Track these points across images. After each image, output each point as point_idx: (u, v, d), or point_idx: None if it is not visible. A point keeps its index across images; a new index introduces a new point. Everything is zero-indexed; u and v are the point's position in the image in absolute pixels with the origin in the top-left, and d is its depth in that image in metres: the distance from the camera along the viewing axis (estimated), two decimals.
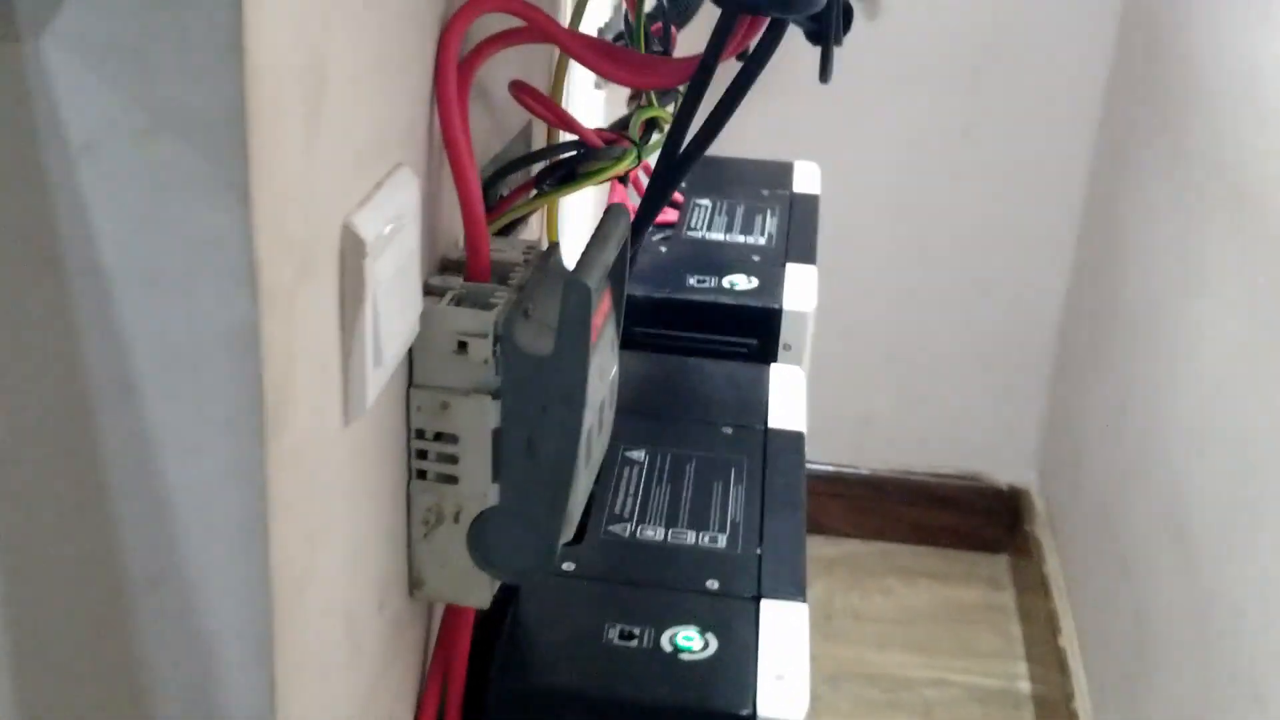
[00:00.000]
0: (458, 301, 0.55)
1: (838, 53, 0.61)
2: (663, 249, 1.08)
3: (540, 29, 0.56)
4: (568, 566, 0.69)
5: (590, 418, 0.56)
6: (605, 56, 0.58)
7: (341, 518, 0.48)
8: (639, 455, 0.80)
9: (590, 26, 0.87)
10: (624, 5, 0.82)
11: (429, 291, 0.55)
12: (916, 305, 1.89)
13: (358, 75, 0.44)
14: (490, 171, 0.64)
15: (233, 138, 0.36)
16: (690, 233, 1.12)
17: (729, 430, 0.83)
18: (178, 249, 0.38)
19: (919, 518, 2.03)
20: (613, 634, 0.64)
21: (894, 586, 1.94)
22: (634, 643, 0.64)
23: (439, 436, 0.55)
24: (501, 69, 0.63)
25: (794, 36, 0.62)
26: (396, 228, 0.48)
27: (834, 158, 1.47)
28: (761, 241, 1.10)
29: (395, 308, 0.48)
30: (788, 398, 0.88)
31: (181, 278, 0.38)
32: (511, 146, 0.70)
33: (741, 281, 1.02)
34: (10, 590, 0.42)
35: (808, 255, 1.07)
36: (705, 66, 0.58)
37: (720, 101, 0.58)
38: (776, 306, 0.98)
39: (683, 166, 0.60)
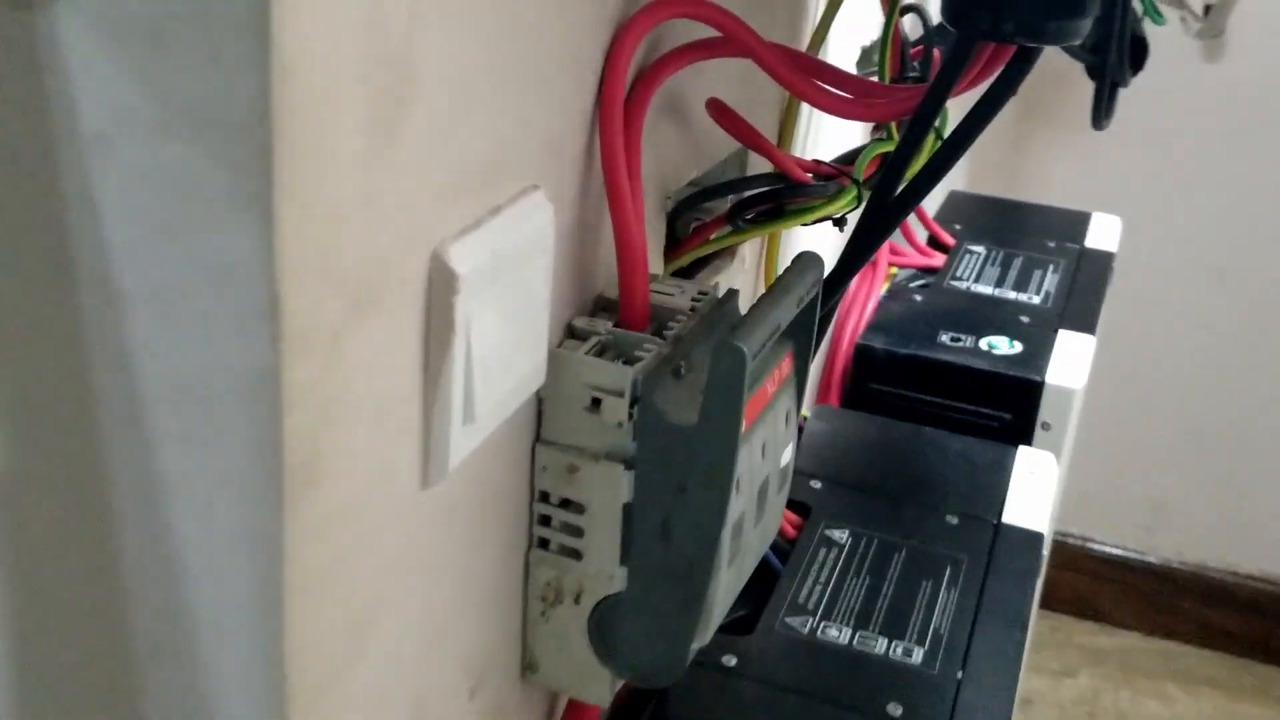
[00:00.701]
0: (600, 350, 0.47)
1: (1149, 95, 0.50)
2: (917, 297, 0.98)
3: (737, 41, 0.48)
4: (728, 661, 0.60)
5: (741, 505, 0.47)
6: (809, 78, 0.49)
7: (416, 592, 0.41)
8: (841, 536, 0.70)
9: (847, 41, 0.78)
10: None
11: (572, 334, 0.48)
12: (1224, 380, 1.69)
13: (470, 80, 0.37)
14: (678, 200, 0.56)
15: (255, 142, 0.30)
16: (954, 282, 1.01)
17: (954, 519, 0.72)
18: (195, 269, 0.31)
19: (1210, 619, 1.82)
20: None
21: (1172, 692, 1.74)
22: None
23: (565, 504, 0.48)
24: (718, 82, 0.55)
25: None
26: (515, 260, 0.40)
27: (1140, 211, 1.33)
28: (1035, 300, 0.98)
29: (505, 354, 0.41)
30: (1033, 489, 0.76)
31: (198, 303, 0.32)
32: (723, 172, 0.62)
33: (1002, 345, 0.90)
34: (9, 641, 0.37)
35: (1086, 322, 0.94)
36: (932, 100, 0.48)
37: (945, 142, 0.48)
38: (1039, 379, 0.86)
39: (893, 215, 0.50)
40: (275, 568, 0.33)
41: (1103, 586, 1.86)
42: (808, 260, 0.49)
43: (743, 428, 0.45)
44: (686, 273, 0.61)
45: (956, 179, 1.34)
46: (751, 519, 0.49)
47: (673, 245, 0.58)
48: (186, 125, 0.30)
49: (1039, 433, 0.86)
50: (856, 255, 0.52)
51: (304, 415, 0.33)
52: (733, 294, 0.51)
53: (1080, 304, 0.98)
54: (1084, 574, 1.86)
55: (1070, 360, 0.89)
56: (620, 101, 0.45)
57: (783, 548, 0.71)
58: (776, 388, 0.50)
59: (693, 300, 0.50)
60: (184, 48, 0.29)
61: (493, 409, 0.41)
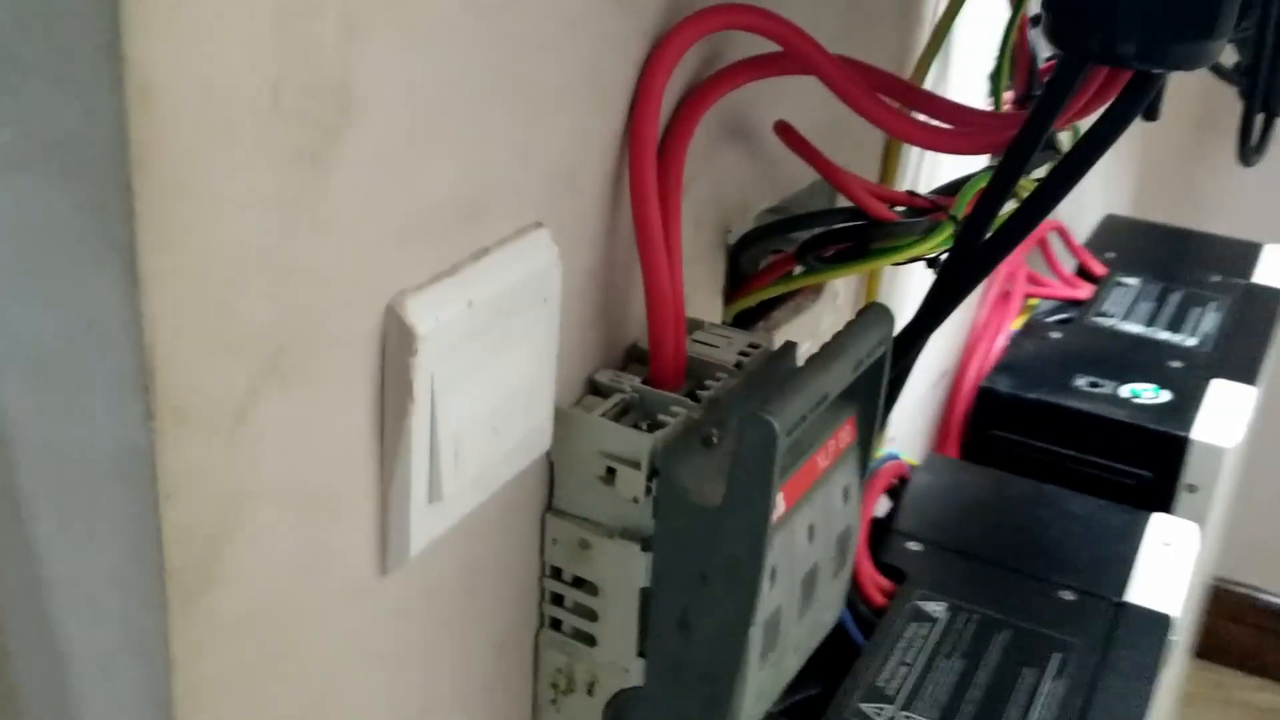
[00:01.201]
0: (622, 411, 0.41)
1: None
2: (1055, 335, 0.89)
3: (799, 56, 0.41)
4: None
5: (778, 599, 0.40)
6: (884, 100, 0.42)
7: (381, 687, 0.36)
8: (937, 610, 0.62)
9: (967, 59, 0.70)
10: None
11: (595, 390, 0.42)
12: None
13: (438, 102, 0.31)
14: (742, 234, 0.49)
15: (113, 180, 0.24)
16: (1098, 318, 0.91)
17: (1069, 596, 0.64)
18: (61, 329, 0.26)
19: None
20: None
21: None
22: None
23: (579, 583, 0.42)
24: (803, 101, 0.48)
25: None
26: (506, 310, 0.35)
27: None
28: (1191, 343, 0.88)
29: (491, 420, 0.35)
30: (1165, 564, 0.67)
31: (67, 369, 0.27)
32: (810, 201, 0.55)
33: (1147, 393, 0.81)
34: None
35: (1247, 371, 0.84)
36: (1031, 131, 0.41)
37: (1041, 183, 0.41)
38: (1183, 434, 0.76)
39: (983, 262, 0.43)
40: (162, 680, 0.28)
41: (1269, 640, 1.72)
42: (873, 315, 0.42)
43: (776, 512, 0.39)
44: (761, 311, 0.54)
45: (1116, 200, 1.24)
46: (794, 612, 0.42)
47: (739, 284, 0.51)
48: (43, 158, 0.25)
49: (1183, 495, 0.76)
50: (938, 307, 0.44)
51: (192, 507, 0.27)
52: (790, 347, 0.45)
53: (1241, 349, 0.88)
54: (1250, 626, 1.72)
55: (1224, 414, 0.79)
56: (654, 126, 0.39)
57: (868, 618, 0.63)
58: (831, 461, 0.43)
59: (740, 353, 0.44)
60: (32, 64, 0.24)
61: (471, 484, 0.35)
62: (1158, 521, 0.70)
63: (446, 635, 0.38)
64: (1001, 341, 0.88)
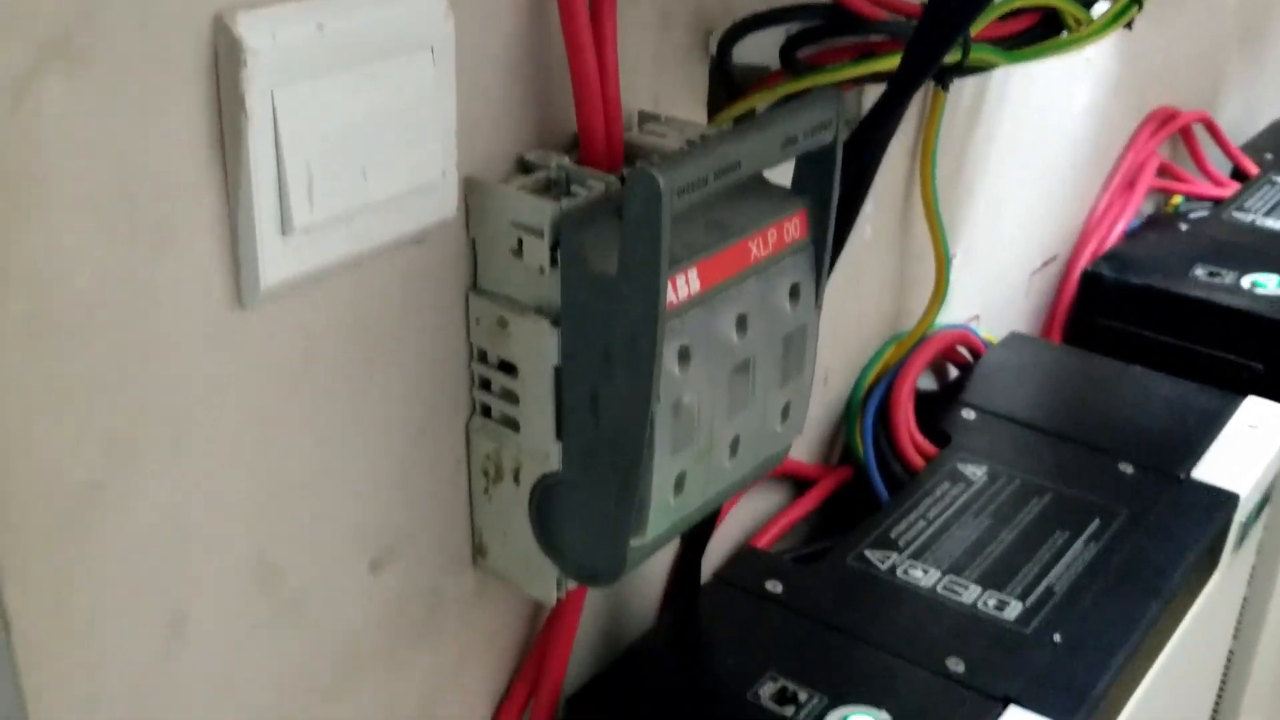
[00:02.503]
0: (545, 189, 0.40)
1: None
2: (1182, 227, 0.83)
3: None
4: (772, 587, 0.52)
5: (694, 385, 0.39)
6: None
7: (245, 423, 0.36)
8: (976, 473, 0.59)
9: None
10: None
11: (525, 168, 0.41)
12: None
13: None
14: (722, 34, 0.47)
15: None
16: (1238, 213, 0.85)
17: (1128, 469, 0.60)
18: None
19: None
20: (767, 689, 0.46)
21: None
22: (788, 709, 0.46)
23: (506, 368, 0.41)
24: None
25: None
26: (372, 48, 0.34)
27: None
28: None
29: (358, 161, 0.35)
30: (1245, 444, 0.62)
31: None
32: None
33: (1270, 284, 0.75)
34: None
35: None
36: None
37: None
38: None
39: (946, 30, 0.40)
40: None
41: None
42: (817, 95, 0.40)
43: (689, 289, 0.38)
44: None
45: None
46: (720, 406, 0.41)
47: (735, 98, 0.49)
48: None
49: None
50: (890, 101, 0.42)
51: None
52: (743, 125, 0.42)
53: None
54: None
55: None
56: None
57: (902, 479, 0.61)
58: (770, 251, 0.41)
59: (689, 141, 0.42)
60: None
61: (334, 224, 0.35)
62: (1250, 404, 0.65)
63: (343, 406, 0.38)
64: (1119, 230, 0.82)
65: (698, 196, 0.36)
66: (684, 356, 0.39)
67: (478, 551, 0.44)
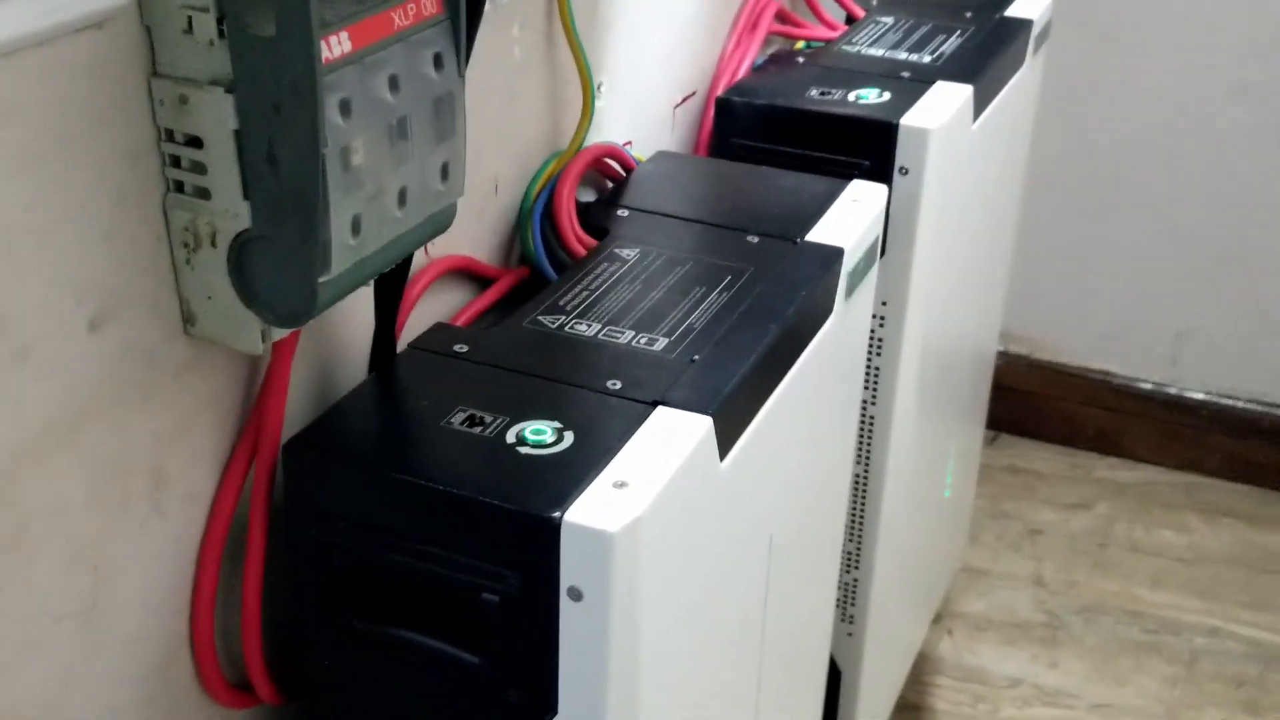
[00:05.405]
0: None
1: None
2: (800, 60, 0.95)
3: None
4: (459, 348, 0.59)
5: (358, 133, 0.46)
6: None
7: None
8: (630, 254, 0.69)
9: None
10: None
11: None
12: (1260, 204, 1.60)
13: None
14: None
15: None
16: (846, 48, 0.97)
17: (754, 239, 0.70)
18: None
19: (1236, 450, 1.75)
20: (458, 418, 0.54)
21: (1191, 523, 1.69)
22: (476, 429, 0.54)
23: (192, 142, 0.47)
24: None
25: None
26: None
27: None
28: (925, 60, 0.94)
29: None
30: (850, 213, 0.73)
31: None
32: None
33: (871, 96, 0.87)
34: None
35: (969, 74, 0.90)
36: None
37: None
38: (892, 121, 0.82)
39: None
40: None
41: (1125, 421, 1.80)
42: None
43: (341, 49, 0.45)
44: None
45: None
46: (382, 155, 0.48)
47: None
48: None
49: (898, 178, 0.83)
50: None
51: None
52: None
53: (974, 60, 0.94)
54: (1105, 409, 1.80)
55: (935, 106, 0.85)
56: None
57: (566, 265, 0.70)
58: (411, 21, 0.48)
59: None
60: None
61: None
62: (854, 186, 0.77)
63: (47, 172, 0.43)
64: (745, 66, 0.93)
65: None
66: (345, 109, 0.46)
67: (187, 320, 0.51)
